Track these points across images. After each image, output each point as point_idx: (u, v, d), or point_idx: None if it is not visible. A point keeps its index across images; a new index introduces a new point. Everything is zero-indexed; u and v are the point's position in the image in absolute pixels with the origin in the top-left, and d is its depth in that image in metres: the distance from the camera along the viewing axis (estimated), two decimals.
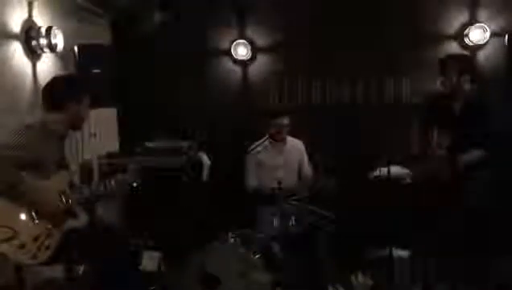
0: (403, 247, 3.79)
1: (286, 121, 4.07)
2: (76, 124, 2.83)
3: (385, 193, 3.63)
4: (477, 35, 4.47)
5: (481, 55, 4.53)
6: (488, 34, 4.45)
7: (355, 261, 3.80)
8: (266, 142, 4.08)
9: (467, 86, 3.31)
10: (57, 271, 3.01)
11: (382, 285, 3.49)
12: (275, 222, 3.58)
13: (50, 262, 2.58)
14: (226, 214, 3.89)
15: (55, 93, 2.74)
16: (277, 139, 4.12)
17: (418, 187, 3.65)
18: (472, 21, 4.53)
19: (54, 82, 2.80)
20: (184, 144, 4.32)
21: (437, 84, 3.41)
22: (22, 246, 2.46)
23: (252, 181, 4.12)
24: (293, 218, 3.60)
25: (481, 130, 3.16)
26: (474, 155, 3.18)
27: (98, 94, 3.63)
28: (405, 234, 3.62)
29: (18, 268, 2.71)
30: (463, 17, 4.58)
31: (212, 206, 4.24)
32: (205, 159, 4.31)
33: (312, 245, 3.63)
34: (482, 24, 4.47)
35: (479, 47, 4.52)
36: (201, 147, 4.41)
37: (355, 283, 3.46)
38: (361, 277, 3.52)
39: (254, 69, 4.90)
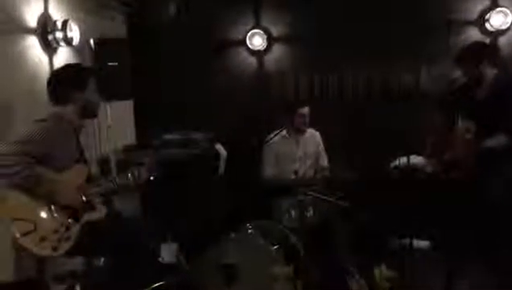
0: (425, 238, 3.74)
1: (306, 110, 4.04)
2: (88, 112, 2.79)
3: (404, 184, 3.59)
4: (498, 20, 4.39)
5: (503, 41, 4.43)
6: (509, 18, 4.36)
7: (375, 253, 3.76)
8: (284, 133, 4.06)
9: (489, 72, 3.23)
10: (77, 264, 3.05)
11: (404, 277, 3.44)
12: (293, 213, 3.56)
13: (70, 254, 2.60)
14: (244, 206, 3.88)
15: (56, 86, 2.73)
16: (297, 129, 4.09)
17: (440, 176, 3.58)
18: (493, 6, 4.44)
19: (53, 75, 2.82)
20: (201, 136, 4.32)
21: (459, 72, 3.34)
22: (42, 239, 2.48)
23: (269, 172, 4.10)
24: (310, 209, 3.57)
25: (505, 116, 3.08)
26: (499, 141, 3.11)
27: (115, 87, 3.67)
28: (427, 226, 3.58)
29: (40, 260, 2.75)
30: (483, 2, 4.48)
31: (229, 198, 4.23)
32: (222, 151, 4.30)
33: (331, 236, 3.60)
34: (503, 9, 4.37)
35: (501, 32, 4.42)
36: (218, 139, 4.40)
37: (377, 276, 3.42)
38: (384, 269, 3.47)
39: (270, 60, 4.86)
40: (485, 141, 3.13)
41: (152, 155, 3.74)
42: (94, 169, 3.62)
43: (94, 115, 2.87)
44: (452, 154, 3.33)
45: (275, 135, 3.98)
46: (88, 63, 3.74)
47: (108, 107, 3.79)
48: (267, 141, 4.01)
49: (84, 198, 2.67)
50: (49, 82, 2.76)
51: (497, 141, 3.10)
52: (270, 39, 4.80)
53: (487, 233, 3.16)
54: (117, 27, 4.59)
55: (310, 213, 3.56)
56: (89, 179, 2.77)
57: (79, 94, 2.72)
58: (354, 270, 3.46)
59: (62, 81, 2.74)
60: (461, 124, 3.33)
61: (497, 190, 3.13)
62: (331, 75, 4.76)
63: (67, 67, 2.91)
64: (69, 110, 2.72)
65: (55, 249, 2.51)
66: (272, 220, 3.61)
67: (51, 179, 2.53)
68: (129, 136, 4.75)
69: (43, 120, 2.60)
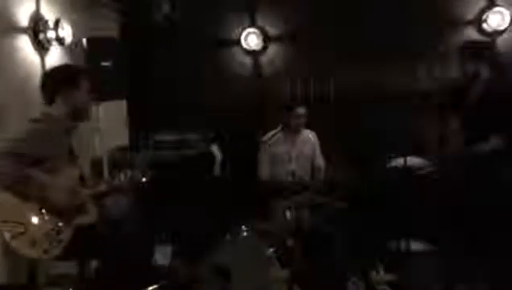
0: (421, 240, 3.72)
1: (303, 110, 4.02)
2: (78, 113, 2.75)
3: (401, 184, 3.57)
4: (496, 20, 4.36)
5: (500, 41, 4.42)
6: (507, 19, 4.34)
7: (373, 255, 3.74)
8: (280, 134, 4.02)
9: (485, 73, 3.23)
10: (69, 267, 3.01)
11: (402, 280, 3.41)
12: (289, 215, 3.53)
13: (62, 257, 2.57)
14: (239, 207, 3.86)
15: (47, 85, 2.71)
16: (293, 130, 4.06)
17: (435, 177, 3.57)
18: (490, 6, 4.42)
19: (45, 75, 2.80)
20: (196, 137, 4.29)
21: (455, 72, 3.33)
22: (33, 242, 2.45)
23: (265, 173, 4.07)
24: (307, 211, 3.55)
25: (500, 117, 3.07)
26: (493, 143, 3.10)
27: (108, 87, 3.63)
28: (423, 227, 3.55)
29: (32, 264, 2.71)
30: (480, 2, 4.46)
31: (224, 199, 4.20)
32: (217, 152, 4.27)
33: (328, 238, 3.58)
34: (501, 9, 4.35)
35: (498, 32, 4.40)
36: (213, 140, 4.37)
37: (375, 279, 3.39)
38: (381, 272, 3.44)
39: (266, 60, 4.83)
40: (478, 144, 3.11)
41: (145, 156, 3.71)
42: (86, 171, 3.58)
43: (84, 116, 2.81)
44: (445, 155, 3.32)
45: (271, 136, 3.94)
46: (80, 62, 3.70)
47: (100, 108, 3.75)
48: (263, 142, 3.98)
49: (75, 200, 2.62)
50: (41, 82, 2.73)
51: (489, 145, 3.09)
52: (266, 39, 4.76)
53: (482, 234, 3.15)
54: (110, 27, 4.55)
55: (306, 214, 3.53)
56: (81, 181, 2.73)
57: (69, 94, 2.68)
58: (352, 272, 3.44)
59: (52, 81, 2.71)
60: (455, 125, 3.32)
61: (490, 192, 3.12)
62: (327, 75, 4.72)
63: (58, 67, 2.88)
64: (60, 111, 2.68)
65: (46, 252, 2.48)
66: (268, 222, 3.58)
67: (43, 181, 2.49)
68: (122, 137, 4.71)
69: (35, 120, 2.57)
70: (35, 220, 2.48)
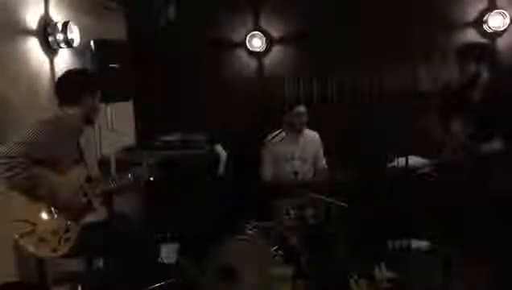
0: (423, 239, 3.75)
1: (303, 109, 4.06)
2: (90, 118, 2.82)
3: (402, 184, 3.59)
4: (496, 21, 4.38)
5: (501, 42, 4.44)
6: (507, 20, 4.36)
7: (375, 253, 3.77)
8: (283, 134, 4.07)
9: (486, 74, 3.25)
10: (77, 264, 3.05)
11: (403, 277, 3.45)
12: (292, 214, 3.57)
13: (70, 255, 2.62)
14: (243, 206, 3.89)
15: (68, 87, 2.76)
16: (297, 129, 4.10)
17: (437, 177, 3.60)
18: (491, 7, 4.44)
19: (67, 76, 2.83)
20: (201, 137, 4.33)
21: (456, 72, 3.36)
22: (42, 240, 2.50)
23: (268, 173, 4.11)
24: (310, 210, 3.58)
25: (501, 118, 3.10)
26: (495, 144, 3.13)
27: (115, 89, 3.68)
28: (425, 226, 3.58)
29: (40, 261, 2.76)
30: (481, 3, 4.49)
31: (229, 198, 4.24)
32: (222, 152, 4.30)
33: (330, 237, 3.61)
34: (501, 10, 4.37)
35: (498, 33, 4.42)
36: (217, 140, 4.41)
37: (378, 276, 3.42)
38: (384, 269, 3.47)
39: (269, 61, 4.88)
40: (481, 145, 3.14)
41: (152, 155, 3.75)
42: (94, 170, 3.62)
43: (93, 121, 2.87)
44: (447, 155, 3.34)
45: (275, 136, 3.99)
46: (88, 64, 3.75)
47: (108, 109, 3.80)
48: (267, 142, 4.03)
49: (83, 199, 2.68)
50: (61, 83, 2.79)
51: (492, 146, 3.12)
52: (270, 41, 4.81)
53: (483, 233, 3.17)
54: (117, 29, 4.60)
55: (309, 213, 3.57)
56: (89, 180, 2.78)
57: (88, 99, 2.74)
58: (354, 270, 3.48)
59: (76, 84, 2.77)
60: (456, 126, 3.34)
61: (491, 193, 3.15)
62: (329, 76, 4.76)
63: (69, 71, 2.93)
64: (73, 113, 2.73)
65: (54, 250, 2.53)
66: (272, 221, 3.62)
67: (51, 180, 2.54)
68: (129, 137, 4.75)
69: (45, 122, 2.61)
70: (43, 219, 2.53)
